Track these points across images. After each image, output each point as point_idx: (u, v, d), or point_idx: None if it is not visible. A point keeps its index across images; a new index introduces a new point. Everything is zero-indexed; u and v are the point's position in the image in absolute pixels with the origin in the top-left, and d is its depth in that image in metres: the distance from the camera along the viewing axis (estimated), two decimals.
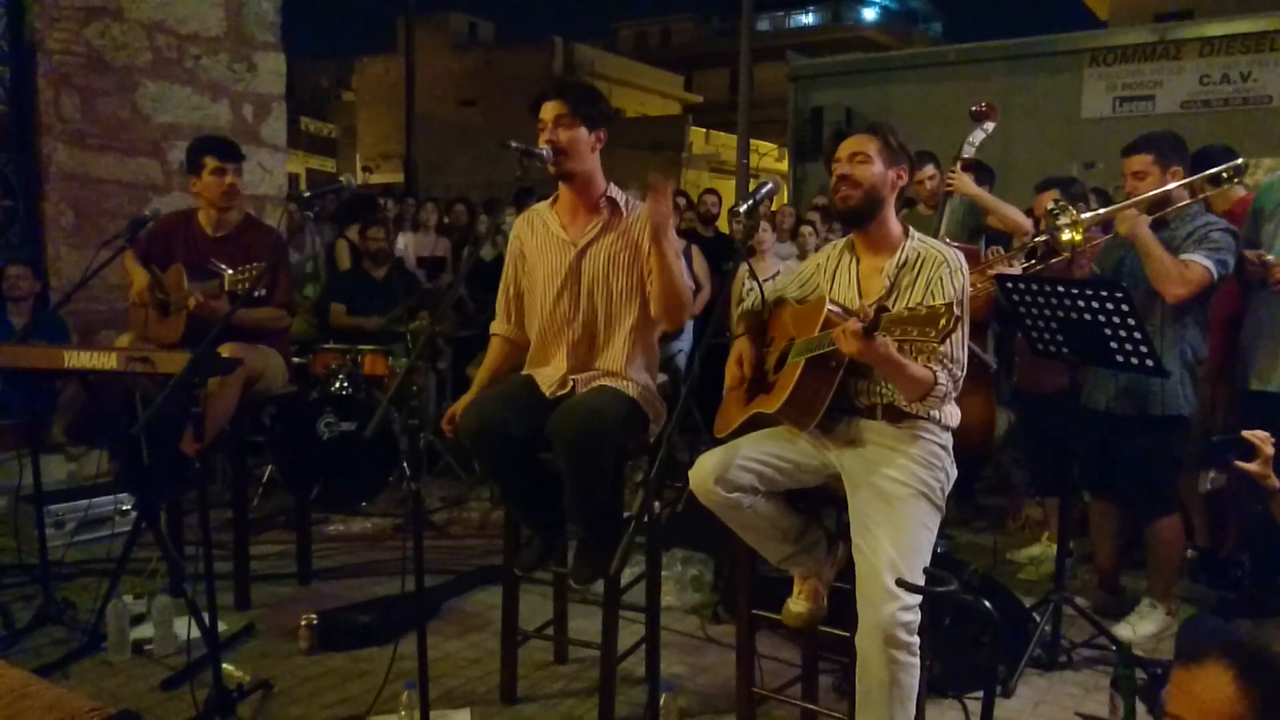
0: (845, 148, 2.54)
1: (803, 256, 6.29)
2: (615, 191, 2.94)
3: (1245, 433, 2.42)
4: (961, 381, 2.43)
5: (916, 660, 2.31)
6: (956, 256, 2.48)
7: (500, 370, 3.11)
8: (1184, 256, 3.31)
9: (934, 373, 2.33)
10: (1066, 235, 3.32)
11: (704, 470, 2.52)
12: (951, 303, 2.07)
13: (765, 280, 2.81)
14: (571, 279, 2.91)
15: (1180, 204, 3.44)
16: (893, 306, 2.44)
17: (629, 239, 2.88)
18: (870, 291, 2.53)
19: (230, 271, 3.20)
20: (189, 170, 3.79)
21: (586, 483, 2.78)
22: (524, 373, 3.05)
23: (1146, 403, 3.44)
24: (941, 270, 2.43)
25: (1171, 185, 3.39)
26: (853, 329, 2.22)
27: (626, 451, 2.95)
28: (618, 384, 2.88)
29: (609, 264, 2.89)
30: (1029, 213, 4.41)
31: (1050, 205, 3.41)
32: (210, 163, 3.70)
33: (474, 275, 6.24)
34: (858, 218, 2.53)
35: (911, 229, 2.57)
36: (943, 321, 2.02)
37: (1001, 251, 4.11)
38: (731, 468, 2.49)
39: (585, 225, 2.92)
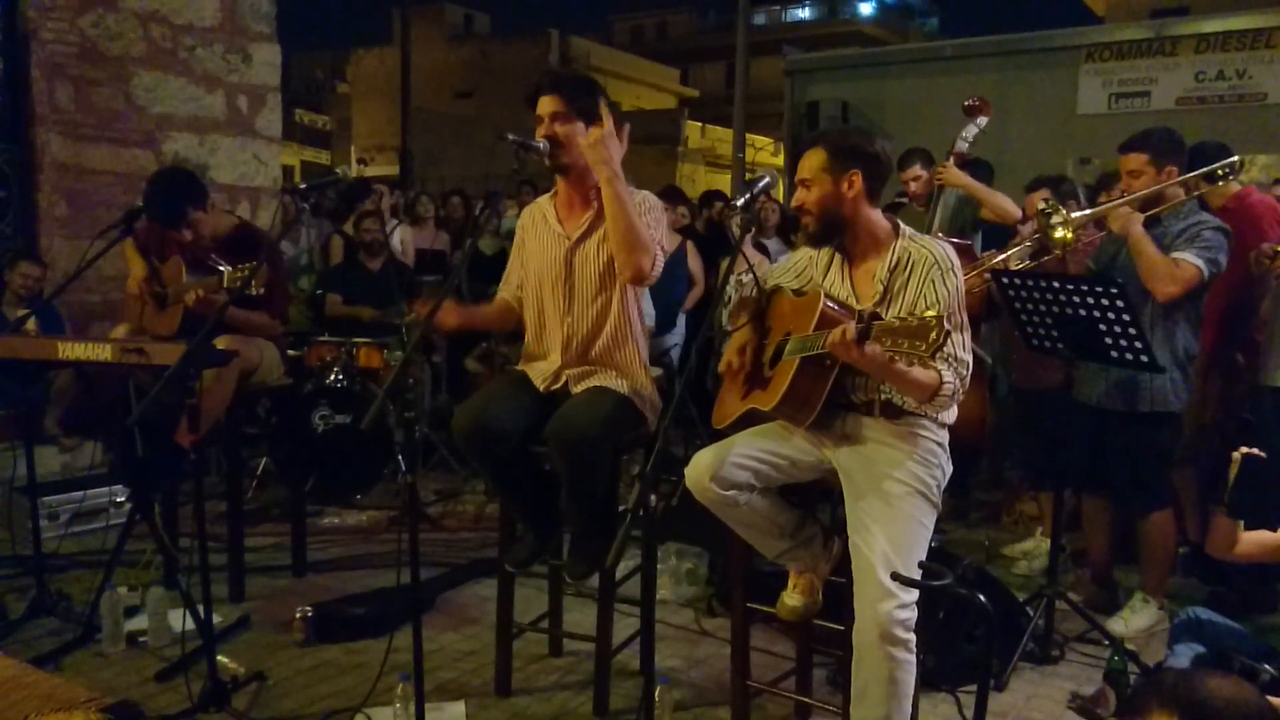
0: (799, 169, 2.54)
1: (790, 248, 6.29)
2: None
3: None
4: (969, 379, 2.40)
5: (913, 657, 2.31)
6: (947, 254, 2.43)
7: (486, 315, 3.12)
8: (1175, 255, 3.32)
9: (939, 373, 2.30)
10: (1059, 233, 3.35)
11: (700, 468, 2.52)
12: (943, 316, 2.03)
13: (744, 273, 2.79)
14: (565, 272, 2.92)
15: (1173, 201, 3.45)
16: (886, 312, 2.43)
17: None
18: (864, 296, 2.50)
19: (229, 269, 3.20)
20: None
21: (584, 486, 2.79)
22: (518, 368, 3.06)
23: (1136, 399, 3.45)
24: (933, 273, 2.39)
25: (1165, 184, 3.40)
26: (848, 338, 2.20)
27: (621, 448, 2.95)
28: (610, 382, 2.88)
29: (599, 256, 2.88)
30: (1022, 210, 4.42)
31: (1041, 205, 3.43)
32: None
33: (473, 269, 6.23)
34: (823, 238, 2.54)
35: (902, 225, 2.53)
36: (933, 335, 2.01)
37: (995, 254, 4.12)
38: (727, 465, 2.49)
39: (579, 219, 2.92)
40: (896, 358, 2.13)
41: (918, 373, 2.27)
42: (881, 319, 2.22)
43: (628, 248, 2.73)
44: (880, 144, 2.51)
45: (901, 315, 2.16)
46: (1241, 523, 2.53)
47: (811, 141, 2.55)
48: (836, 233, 2.51)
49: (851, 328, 2.20)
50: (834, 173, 2.46)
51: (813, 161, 2.49)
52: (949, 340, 2.06)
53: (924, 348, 2.02)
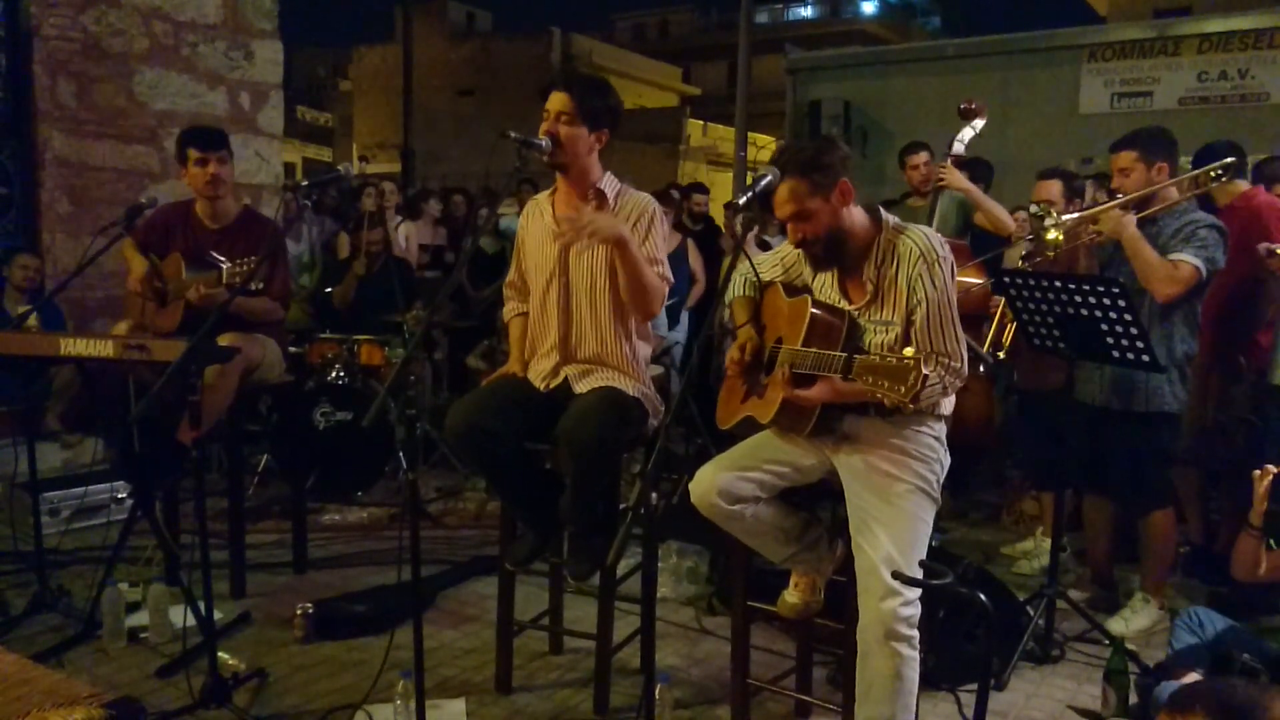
0: (781, 207, 2.40)
1: None
2: (606, 182, 2.92)
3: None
4: (964, 372, 2.38)
5: (916, 654, 2.32)
6: (932, 244, 2.38)
7: (522, 347, 3.07)
8: (1172, 256, 3.31)
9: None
10: (1051, 235, 3.39)
11: (705, 485, 2.52)
12: (920, 359, 2.03)
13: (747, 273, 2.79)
14: (560, 268, 2.92)
15: (1168, 202, 3.44)
16: (880, 311, 2.43)
17: None
18: (856, 297, 2.49)
19: (228, 264, 3.20)
20: (178, 161, 3.79)
21: (590, 485, 2.79)
22: None
23: (1132, 398, 3.45)
24: (919, 266, 2.35)
25: (1159, 185, 3.39)
26: (800, 396, 2.35)
27: (623, 446, 2.95)
28: (617, 381, 2.87)
29: (594, 253, 2.88)
30: (1022, 209, 4.43)
31: (1033, 209, 3.46)
32: (192, 154, 3.69)
33: (474, 266, 6.23)
34: (833, 254, 2.45)
35: (884, 215, 2.47)
36: (911, 378, 2.01)
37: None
38: (732, 480, 2.50)
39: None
40: (877, 394, 2.12)
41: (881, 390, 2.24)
42: (865, 354, 2.21)
43: (640, 304, 2.84)
44: (828, 139, 2.51)
45: (882, 354, 2.15)
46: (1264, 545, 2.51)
47: (787, 171, 2.38)
48: (840, 247, 2.43)
49: (783, 380, 2.36)
50: (823, 195, 2.37)
51: (801, 194, 2.36)
52: (926, 384, 2.04)
53: (903, 390, 2.04)
